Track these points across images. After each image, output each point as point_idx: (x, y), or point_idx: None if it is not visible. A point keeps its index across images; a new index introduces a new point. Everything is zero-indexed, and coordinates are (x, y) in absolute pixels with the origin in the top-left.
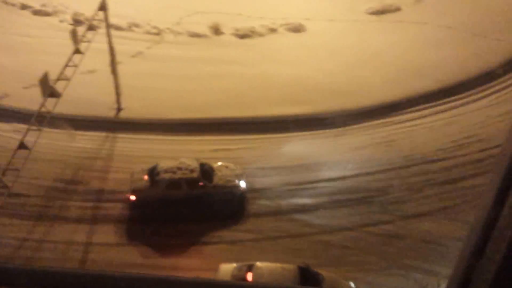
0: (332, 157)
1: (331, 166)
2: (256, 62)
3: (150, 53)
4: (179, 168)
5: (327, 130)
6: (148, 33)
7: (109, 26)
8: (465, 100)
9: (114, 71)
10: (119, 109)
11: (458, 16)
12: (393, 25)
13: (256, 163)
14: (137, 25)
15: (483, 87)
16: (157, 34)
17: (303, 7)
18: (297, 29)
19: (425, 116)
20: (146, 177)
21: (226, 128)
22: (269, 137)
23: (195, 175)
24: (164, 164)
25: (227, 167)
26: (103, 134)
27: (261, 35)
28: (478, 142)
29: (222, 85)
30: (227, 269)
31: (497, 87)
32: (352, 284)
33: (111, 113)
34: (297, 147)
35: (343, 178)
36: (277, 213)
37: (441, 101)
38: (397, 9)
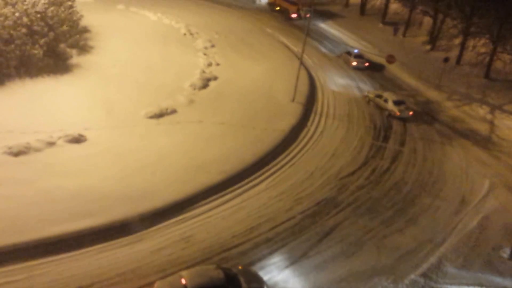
0: (131, 265)
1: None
2: (36, 178)
3: None
4: None
5: (124, 238)
6: None
7: None
8: (247, 186)
9: None
10: None
11: (226, 113)
12: (173, 126)
13: None
14: None
15: (260, 171)
16: None
17: (81, 117)
18: (77, 140)
19: (216, 207)
20: None
21: (7, 258)
22: (61, 257)
23: None
24: None
25: None
26: None
27: (38, 150)
28: (266, 222)
29: None
30: (163, 284)
31: (271, 170)
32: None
33: None
34: (95, 262)
35: (149, 284)
36: None
37: (227, 191)
38: (174, 111)
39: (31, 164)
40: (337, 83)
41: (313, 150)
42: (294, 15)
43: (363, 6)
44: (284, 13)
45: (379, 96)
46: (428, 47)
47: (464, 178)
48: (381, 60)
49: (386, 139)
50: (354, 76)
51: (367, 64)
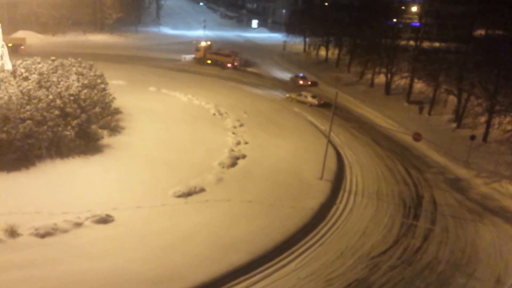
0: None
1: None
2: (62, 261)
3: None
4: None
5: None
6: None
7: None
8: (276, 267)
9: None
10: None
11: (254, 191)
12: (201, 204)
13: None
14: None
15: (289, 251)
16: None
17: (110, 197)
18: (104, 220)
19: None
20: None
21: None
22: None
23: None
24: None
25: None
26: None
27: (65, 231)
28: None
29: None
30: None
31: (301, 249)
32: None
33: None
34: None
35: None
36: None
37: (256, 271)
38: (202, 190)
39: (57, 246)
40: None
41: (343, 228)
42: (229, 65)
43: (388, 86)
44: (219, 65)
45: (300, 95)
46: (454, 125)
47: (498, 257)
48: (318, 80)
49: (416, 217)
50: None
51: (309, 82)
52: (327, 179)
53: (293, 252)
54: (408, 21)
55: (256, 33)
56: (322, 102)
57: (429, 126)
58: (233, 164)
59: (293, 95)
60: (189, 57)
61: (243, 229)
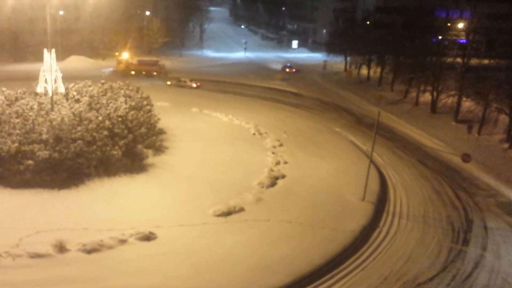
0: None
1: None
2: (106, 277)
3: None
4: None
5: None
6: None
7: None
8: None
9: None
10: None
11: (294, 211)
12: (240, 224)
13: None
14: None
15: (330, 275)
16: None
17: (153, 215)
18: (147, 237)
19: None
20: None
21: None
22: None
23: None
24: None
25: None
26: None
27: (110, 247)
28: None
29: None
30: None
31: (342, 273)
32: None
33: None
34: None
35: None
36: None
37: None
38: (241, 210)
39: (103, 262)
40: None
41: (386, 252)
42: (155, 73)
43: (433, 104)
44: (144, 75)
45: (179, 81)
46: (506, 145)
47: None
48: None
49: (466, 242)
50: None
51: (293, 70)
52: (369, 201)
53: (333, 276)
54: (454, 37)
55: (297, 53)
56: (199, 84)
57: (478, 147)
58: (273, 184)
59: (173, 81)
60: (108, 70)
61: (282, 250)
